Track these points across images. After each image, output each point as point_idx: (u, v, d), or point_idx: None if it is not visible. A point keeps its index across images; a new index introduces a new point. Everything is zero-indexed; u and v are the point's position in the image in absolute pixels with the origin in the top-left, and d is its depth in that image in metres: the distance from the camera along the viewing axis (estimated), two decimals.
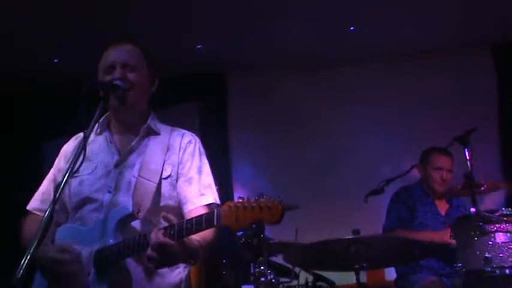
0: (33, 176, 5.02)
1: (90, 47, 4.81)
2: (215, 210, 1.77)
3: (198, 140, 2.28)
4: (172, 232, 1.83)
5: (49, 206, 1.71)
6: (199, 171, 2.19)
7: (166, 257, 1.83)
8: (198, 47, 5.37)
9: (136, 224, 2.06)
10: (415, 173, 4.19)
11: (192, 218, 1.83)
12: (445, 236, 3.57)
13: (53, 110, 5.61)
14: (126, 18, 4.73)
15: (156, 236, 1.82)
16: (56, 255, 1.96)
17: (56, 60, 5.41)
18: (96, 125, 2.24)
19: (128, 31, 4.61)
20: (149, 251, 1.83)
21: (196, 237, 1.93)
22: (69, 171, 1.83)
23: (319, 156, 5.64)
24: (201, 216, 1.81)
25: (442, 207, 4.03)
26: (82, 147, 1.86)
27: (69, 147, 2.33)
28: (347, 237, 3.00)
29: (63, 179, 1.80)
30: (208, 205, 2.11)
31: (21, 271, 1.54)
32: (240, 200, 1.71)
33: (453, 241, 3.36)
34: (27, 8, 4.46)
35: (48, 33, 4.89)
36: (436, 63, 5.63)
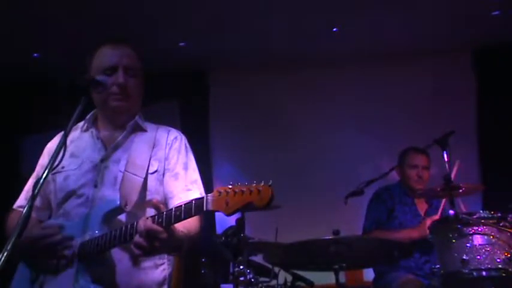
0: (10, 172, 5.01)
1: (71, 42, 4.80)
2: (205, 196, 1.77)
3: (183, 137, 2.29)
4: (160, 220, 1.82)
5: (27, 202, 1.69)
6: (186, 167, 2.20)
7: (154, 245, 1.82)
8: (181, 44, 5.34)
9: (122, 217, 2.06)
10: (395, 175, 4.24)
11: (181, 204, 1.82)
12: (424, 231, 3.61)
13: (31, 106, 5.54)
14: (108, 15, 4.68)
15: (145, 222, 1.82)
16: (38, 231, 1.99)
17: (35, 55, 5.33)
18: (83, 121, 2.25)
19: (110, 27, 4.59)
20: (137, 238, 1.82)
21: (182, 228, 1.94)
22: (48, 168, 1.80)
23: (300, 156, 5.66)
24: (190, 202, 1.80)
25: (422, 207, 4.09)
26: (62, 144, 1.84)
27: (52, 144, 2.31)
28: (327, 237, 3.02)
29: (41, 176, 1.78)
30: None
31: (0, 263, 1.52)
32: (230, 186, 1.71)
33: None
34: (7, 0, 4.38)
35: (28, 27, 4.81)
36: (417, 66, 5.69)
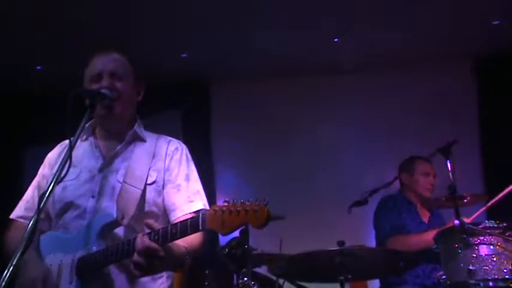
0: (14, 182, 5.00)
1: (73, 55, 4.80)
2: (200, 214, 1.75)
3: (184, 147, 2.28)
4: (156, 237, 1.80)
5: (34, 215, 1.67)
6: (187, 178, 2.19)
7: (153, 263, 1.80)
8: (183, 55, 5.35)
9: (119, 230, 2.04)
10: (397, 184, 4.22)
11: (177, 223, 1.80)
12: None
13: (34, 117, 5.54)
14: (111, 26, 4.70)
15: (142, 241, 1.79)
16: (39, 274, 1.95)
17: (38, 67, 5.34)
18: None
19: (113, 39, 4.59)
20: (135, 257, 1.80)
21: (182, 243, 1.92)
22: (54, 180, 1.80)
23: (303, 165, 5.64)
24: (185, 221, 1.78)
25: (424, 215, 4.08)
26: (68, 156, 1.83)
27: (53, 154, 2.30)
28: (332, 248, 2.99)
29: (48, 187, 1.77)
30: (198, 211, 2.08)
31: (4, 283, 1.50)
32: (226, 204, 1.69)
33: None
34: (11, 13, 4.40)
35: (32, 40, 4.83)
36: (419, 73, 5.68)
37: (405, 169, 4.18)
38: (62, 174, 1.81)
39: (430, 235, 3.61)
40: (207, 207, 2.13)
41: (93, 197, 2.08)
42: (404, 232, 3.87)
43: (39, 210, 1.68)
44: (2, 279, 1.53)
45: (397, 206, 4.02)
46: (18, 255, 1.56)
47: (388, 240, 3.84)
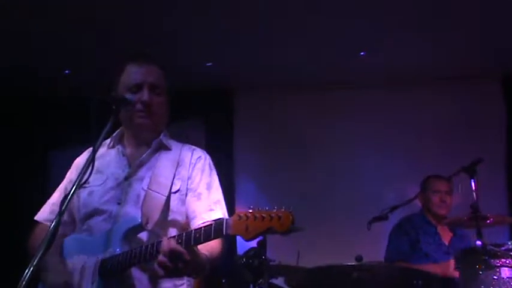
0: (40, 185, 5.08)
1: (101, 60, 4.89)
2: (224, 220, 1.75)
3: (208, 156, 2.29)
4: (180, 241, 1.81)
5: (55, 217, 1.70)
6: (209, 187, 2.19)
7: (177, 265, 1.80)
8: (208, 64, 5.39)
9: (143, 235, 2.06)
10: (418, 202, 4.19)
11: (201, 227, 1.81)
12: (448, 269, 3.55)
13: (61, 120, 5.63)
14: (139, 34, 4.76)
15: (169, 243, 1.81)
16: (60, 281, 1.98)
17: (67, 71, 5.44)
18: (109, 138, 2.26)
19: (139, 46, 4.65)
20: (161, 257, 1.80)
21: (204, 251, 1.93)
22: (76, 184, 1.82)
23: (324, 178, 5.62)
24: (210, 225, 1.79)
25: (446, 236, 4.02)
26: (90, 160, 1.86)
27: (81, 159, 2.33)
28: (350, 263, 2.98)
29: (70, 191, 1.79)
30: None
31: (24, 283, 1.53)
32: (250, 210, 1.70)
33: (456, 274, 3.32)
34: (43, 16, 4.49)
35: (61, 44, 4.92)
36: (445, 91, 5.62)
37: (421, 188, 4.19)
38: (84, 179, 1.84)
39: (430, 268, 3.57)
40: (226, 217, 2.14)
41: (118, 203, 2.11)
42: (416, 257, 3.84)
43: (60, 212, 1.70)
44: (22, 279, 1.55)
45: (414, 228, 3.99)
46: (38, 256, 1.59)
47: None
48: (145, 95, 2.15)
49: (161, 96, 2.20)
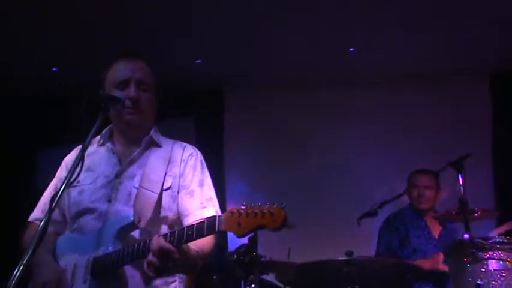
0: (27, 184, 5.06)
1: (89, 58, 4.87)
2: (217, 216, 1.76)
3: (199, 153, 2.29)
4: (172, 239, 1.82)
5: (45, 216, 1.70)
6: (201, 184, 2.20)
7: (167, 264, 1.81)
8: (198, 61, 5.39)
9: (136, 233, 2.06)
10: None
11: (193, 224, 1.82)
12: (436, 263, 3.59)
13: (48, 119, 5.60)
14: (126, 31, 4.74)
15: (158, 241, 1.81)
16: (52, 276, 1.98)
17: (54, 69, 5.41)
18: (99, 136, 2.25)
19: (127, 44, 4.63)
20: (150, 257, 1.82)
21: (195, 247, 1.94)
22: (65, 182, 1.82)
23: (314, 175, 5.64)
24: (202, 222, 1.80)
25: (436, 229, 4.06)
26: (80, 159, 1.86)
27: (71, 157, 2.32)
28: (340, 258, 3.00)
29: (59, 190, 1.79)
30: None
31: (14, 282, 1.53)
32: (243, 207, 1.71)
33: (445, 267, 3.36)
34: (29, 14, 4.46)
35: (48, 42, 4.89)
36: (433, 88, 5.65)
37: (407, 183, 4.22)
38: (73, 178, 1.83)
39: (419, 263, 3.62)
40: (219, 214, 2.14)
41: (108, 201, 2.10)
42: (405, 252, 3.87)
43: (49, 210, 1.70)
44: (12, 278, 1.55)
45: (404, 223, 4.03)
46: (28, 255, 1.59)
47: None
48: (132, 91, 2.13)
49: (148, 92, 2.18)
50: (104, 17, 4.57)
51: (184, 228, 1.83)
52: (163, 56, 4.94)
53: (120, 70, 2.19)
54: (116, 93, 2.12)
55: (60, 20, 4.55)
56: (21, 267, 1.56)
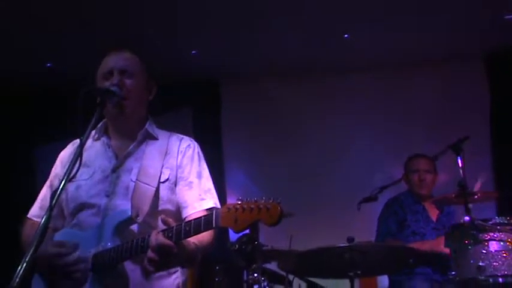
0: (26, 180, 5.06)
1: (84, 52, 4.85)
2: (214, 212, 1.77)
3: (196, 144, 2.29)
4: (170, 235, 1.83)
5: (45, 213, 1.70)
6: (199, 176, 2.20)
7: (166, 259, 1.83)
8: (193, 52, 5.37)
9: (134, 227, 2.06)
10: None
11: (191, 220, 1.83)
12: (437, 246, 3.61)
13: (45, 115, 5.59)
14: (121, 24, 4.72)
15: (156, 237, 1.82)
16: (53, 249, 1.97)
17: (48, 65, 5.38)
18: (94, 130, 2.24)
19: (123, 37, 4.62)
20: (149, 253, 1.83)
21: (193, 240, 1.94)
22: (65, 178, 1.82)
23: (312, 163, 5.64)
24: (199, 218, 1.81)
25: (433, 213, 4.08)
26: (78, 154, 1.86)
27: (66, 153, 2.33)
28: (341, 244, 3.01)
29: (59, 186, 1.79)
30: (209, 209, 2.10)
31: (18, 279, 1.53)
32: (239, 202, 1.72)
33: (446, 250, 3.37)
34: (23, 10, 4.44)
35: (42, 37, 4.87)
36: (428, 73, 5.65)
37: (404, 169, 4.22)
38: (72, 173, 1.84)
39: (418, 245, 3.64)
40: (218, 206, 2.15)
41: (107, 196, 2.10)
42: (405, 235, 3.89)
43: (50, 208, 1.70)
44: (15, 276, 1.55)
45: (402, 208, 4.04)
46: (31, 252, 1.59)
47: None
48: (115, 78, 2.15)
49: (132, 79, 2.18)
50: (100, 11, 4.54)
51: (181, 224, 1.85)
52: (160, 48, 4.93)
53: (105, 63, 2.23)
54: (104, 84, 2.14)
55: (55, 15, 4.53)
56: (25, 264, 1.57)
